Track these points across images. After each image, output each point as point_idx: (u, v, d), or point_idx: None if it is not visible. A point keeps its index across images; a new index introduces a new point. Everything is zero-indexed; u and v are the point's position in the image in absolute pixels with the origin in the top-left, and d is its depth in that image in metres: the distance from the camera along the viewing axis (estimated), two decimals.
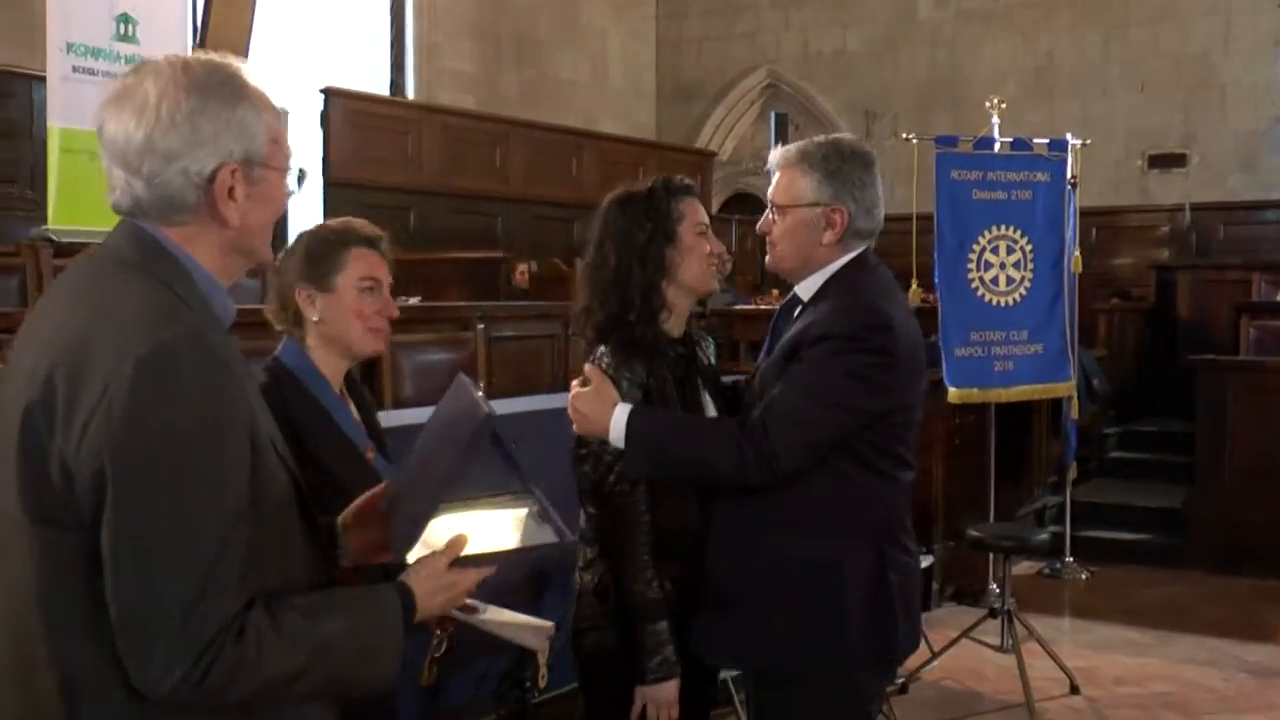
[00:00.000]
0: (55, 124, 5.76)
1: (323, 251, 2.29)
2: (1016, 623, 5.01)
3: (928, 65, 11.83)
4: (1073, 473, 6.80)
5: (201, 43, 6.41)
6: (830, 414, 2.20)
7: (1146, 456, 8.16)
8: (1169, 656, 5.30)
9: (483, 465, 1.71)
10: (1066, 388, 6.37)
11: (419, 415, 1.88)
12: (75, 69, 5.73)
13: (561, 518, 1.85)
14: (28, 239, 5.62)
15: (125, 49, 5.81)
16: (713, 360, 2.62)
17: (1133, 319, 9.21)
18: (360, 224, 2.36)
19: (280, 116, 1.56)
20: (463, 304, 6.32)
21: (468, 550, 1.64)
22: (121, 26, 5.89)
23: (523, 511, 1.77)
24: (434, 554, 1.64)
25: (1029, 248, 6.14)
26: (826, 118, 12.14)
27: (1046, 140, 6.39)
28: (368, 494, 1.82)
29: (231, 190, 1.50)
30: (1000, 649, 5.04)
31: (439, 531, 1.65)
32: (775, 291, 7.92)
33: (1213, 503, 6.76)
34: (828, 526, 2.26)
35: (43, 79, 5.98)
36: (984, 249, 6.07)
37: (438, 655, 2.13)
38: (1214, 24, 10.56)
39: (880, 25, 12.05)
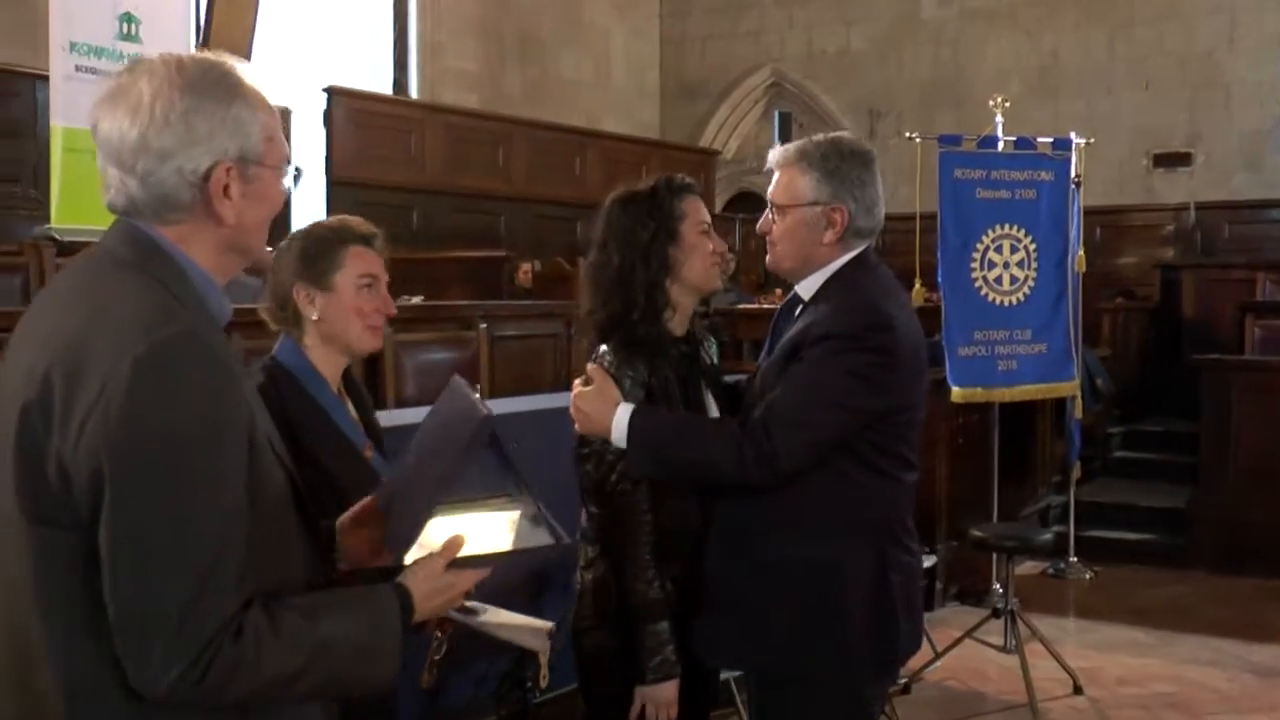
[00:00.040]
0: (58, 123, 5.75)
1: (320, 250, 2.28)
2: (1020, 623, 4.99)
3: (932, 64, 11.82)
4: (1076, 472, 6.78)
5: (204, 42, 6.41)
6: (831, 414, 2.20)
7: (1151, 456, 8.13)
8: (1172, 657, 5.29)
9: (479, 467, 1.71)
10: (1070, 387, 6.36)
11: (421, 415, 1.88)
12: (78, 68, 5.73)
13: (563, 517, 1.84)
14: (31, 238, 5.61)
15: (128, 48, 5.80)
16: (715, 359, 2.61)
17: (1137, 318, 9.19)
18: (356, 221, 2.36)
19: (275, 114, 1.55)
20: (465, 303, 6.31)
21: (464, 552, 1.64)
22: (124, 26, 5.88)
23: (517, 514, 1.77)
24: (431, 555, 1.64)
25: (1033, 247, 6.12)
26: (830, 116, 12.13)
27: (1051, 139, 6.37)
28: (365, 500, 1.81)
29: (227, 188, 1.49)
30: (1003, 649, 5.03)
31: (435, 533, 1.65)
32: (779, 291, 7.90)
33: (1217, 503, 6.74)
34: (828, 526, 2.26)
35: (46, 78, 5.97)
36: (988, 248, 6.06)
37: (438, 657, 2.13)
38: (1219, 23, 10.54)
39: (884, 24, 12.04)
